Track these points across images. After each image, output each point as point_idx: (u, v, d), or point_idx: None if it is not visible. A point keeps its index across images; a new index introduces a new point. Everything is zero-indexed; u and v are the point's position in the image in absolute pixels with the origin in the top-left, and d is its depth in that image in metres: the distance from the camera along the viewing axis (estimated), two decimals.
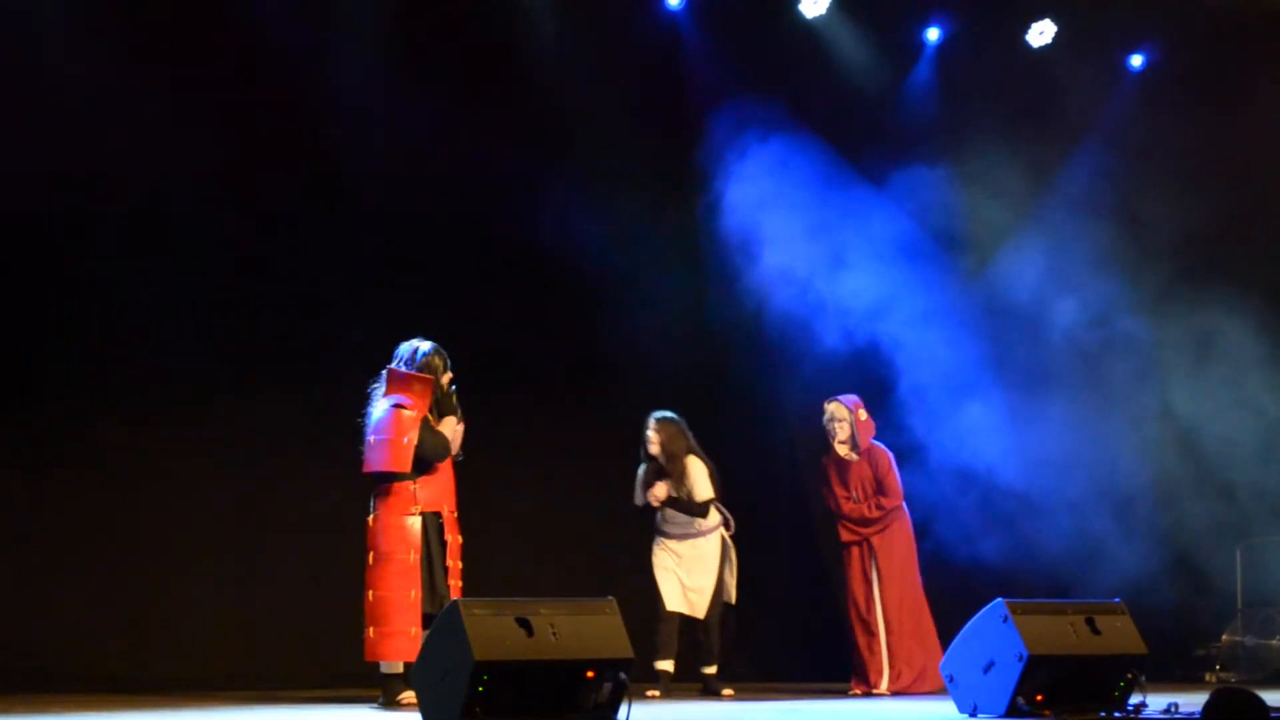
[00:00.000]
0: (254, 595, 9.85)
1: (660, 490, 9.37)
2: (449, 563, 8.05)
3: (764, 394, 11.06)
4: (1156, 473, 11.35)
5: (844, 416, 10.03)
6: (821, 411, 10.07)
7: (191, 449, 9.72)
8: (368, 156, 9.97)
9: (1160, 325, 11.21)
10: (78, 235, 9.44)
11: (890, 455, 10.06)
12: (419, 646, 7.53)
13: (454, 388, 8.26)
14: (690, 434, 9.45)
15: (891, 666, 9.81)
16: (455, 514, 8.20)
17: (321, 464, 9.37)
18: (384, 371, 8.18)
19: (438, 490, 8.10)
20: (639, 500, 9.49)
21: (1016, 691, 7.33)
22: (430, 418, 8.12)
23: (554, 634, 6.40)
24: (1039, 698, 7.35)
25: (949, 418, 10.66)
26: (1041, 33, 11.52)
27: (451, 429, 8.16)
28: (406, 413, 8.03)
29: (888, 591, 9.89)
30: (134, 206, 9.53)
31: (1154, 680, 7.88)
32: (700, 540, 9.48)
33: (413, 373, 8.14)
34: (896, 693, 9.74)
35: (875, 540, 9.94)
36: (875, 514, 9.93)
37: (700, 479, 9.42)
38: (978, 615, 7.56)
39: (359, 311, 9.86)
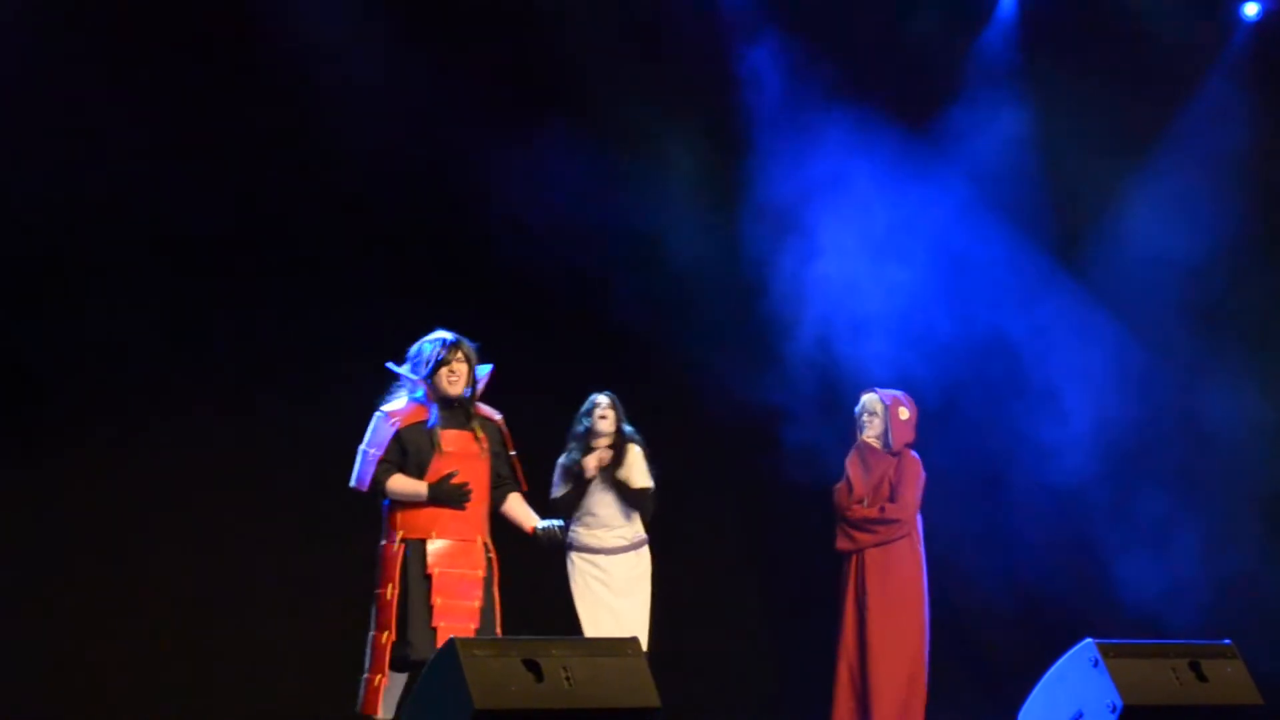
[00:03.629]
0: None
1: (593, 461, 8.18)
2: (435, 600, 7.06)
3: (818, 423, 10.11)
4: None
5: (877, 410, 9.00)
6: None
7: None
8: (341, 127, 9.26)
9: None
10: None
11: (920, 467, 9.00)
12: (380, 700, 6.92)
13: (467, 392, 7.21)
14: None
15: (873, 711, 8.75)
16: (459, 542, 7.14)
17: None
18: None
19: (421, 513, 7.11)
20: (559, 491, 8.29)
21: None
22: (435, 432, 7.18)
23: (568, 679, 5.74)
24: None
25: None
26: None
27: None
28: (383, 420, 7.21)
29: (875, 622, 8.80)
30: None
31: None
32: (631, 555, 8.29)
33: (398, 370, 7.28)
34: None
35: (870, 555, 8.84)
36: (875, 514, 8.87)
37: (640, 465, 8.29)
38: (1063, 658, 6.86)
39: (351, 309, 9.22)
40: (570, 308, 9.75)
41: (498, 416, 7.34)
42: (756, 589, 10.42)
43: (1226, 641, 7.04)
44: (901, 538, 8.90)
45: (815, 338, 9.88)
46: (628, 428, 8.42)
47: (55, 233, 8.93)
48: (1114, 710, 6.60)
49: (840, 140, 9.91)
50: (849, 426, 9.24)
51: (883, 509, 8.90)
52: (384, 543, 7.16)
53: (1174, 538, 10.34)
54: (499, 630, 7.17)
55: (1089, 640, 6.77)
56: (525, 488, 7.50)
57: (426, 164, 9.47)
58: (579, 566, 8.29)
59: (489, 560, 7.22)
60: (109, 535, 9.02)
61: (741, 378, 9.94)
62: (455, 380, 7.16)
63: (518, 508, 7.39)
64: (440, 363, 7.17)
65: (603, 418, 8.31)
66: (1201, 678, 6.79)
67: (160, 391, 9.10)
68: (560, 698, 5.70)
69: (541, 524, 7.32)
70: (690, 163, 9.90)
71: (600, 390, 8.46)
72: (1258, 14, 11.01)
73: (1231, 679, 6.85)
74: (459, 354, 7.17)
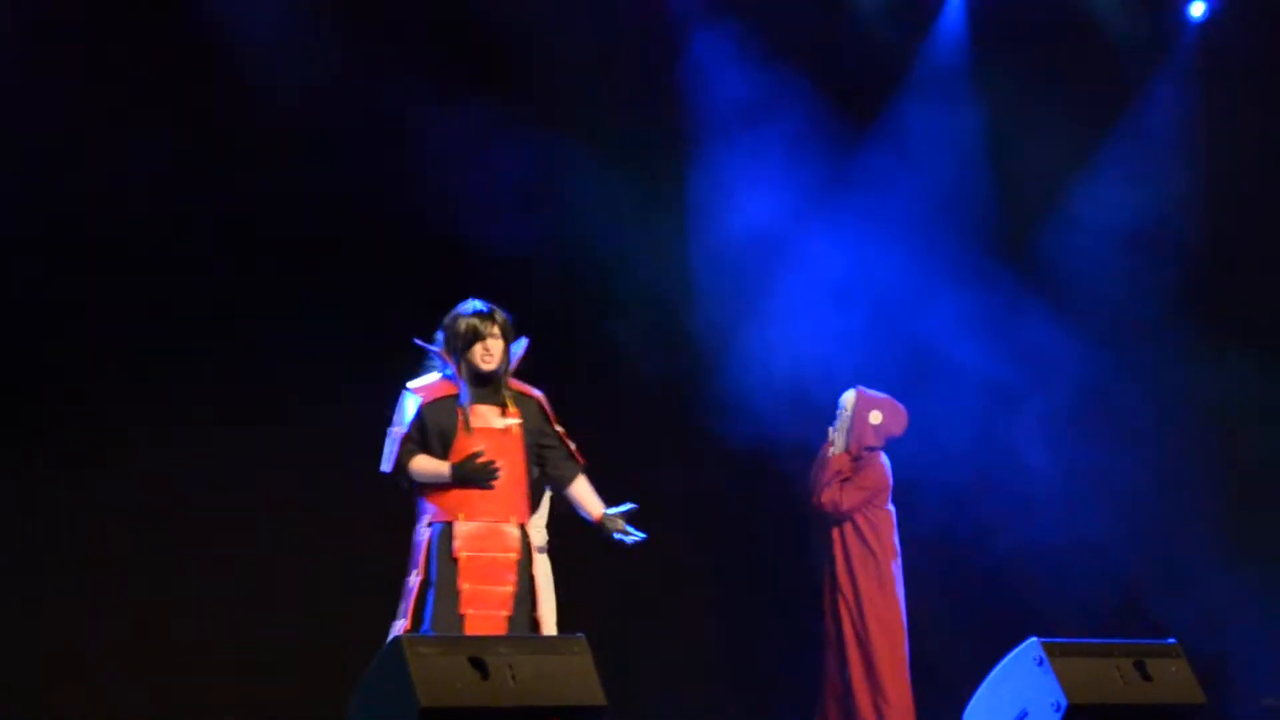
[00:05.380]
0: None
1: None
2: (462, 586, 6.68)
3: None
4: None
5: (846, 408, 8.82)
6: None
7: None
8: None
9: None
10: None
11: (875, 468, 8.76)
12: None
13: (495, 371, 6.71)
14: None
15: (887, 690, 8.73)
16: (489, 524, 6.71)
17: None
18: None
19: (448, 495, 6.71)
20: None
21: None
22: (462, 410, 6.72)
23: (513, 677, 5.73)
24: None
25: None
26: None
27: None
28: (408, 397, 6.81)
29: (866, 607, 8.72)
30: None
31: None
32: None
33: (425, 345, 6.86)
34: None
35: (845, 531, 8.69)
36: (814, 503, 8.72)
37: None
38: (1007, 657, 6.88)
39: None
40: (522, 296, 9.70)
41: (537, 393, 6.88)
42: (699, 587, 10.39)
43: (1171, 640, 7.05)
44: (844, 522, 8.73)
45: (757, 340, 9.91)
46: None
47: (54, 233, 8.92)
48: (1058, 709, 6.59)
49: (786, 134, 9.93)
50: (795, 426, 9.28)
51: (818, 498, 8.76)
52: (415, 528, 6.81)
53: (1130, 537, 10.44)
54: (539, 615, 6.83)
55: (1033, 639, 6.76)
56: (582, 461, 6.99)
57: (403, 158, 9.46)
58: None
59: (526, 544, 6.80)
60: (108, 536, 9.03)
61: (685, 370, 9.98)
62: (490, 357, 6.71)
63: (582, 491, 6.89)
64: (475, 338, 6.73)
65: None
66: (1146, 677, 6.78)
67: (159, 392, 9.10)
68: (506, 695, 5.68)
69: (610, 510, 6.87)
70: (630, 155, 9.83)
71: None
72: (1204, 14, 11.08)
73: (1175, 678, 6.85)
74: (494, 328, 6.72)
